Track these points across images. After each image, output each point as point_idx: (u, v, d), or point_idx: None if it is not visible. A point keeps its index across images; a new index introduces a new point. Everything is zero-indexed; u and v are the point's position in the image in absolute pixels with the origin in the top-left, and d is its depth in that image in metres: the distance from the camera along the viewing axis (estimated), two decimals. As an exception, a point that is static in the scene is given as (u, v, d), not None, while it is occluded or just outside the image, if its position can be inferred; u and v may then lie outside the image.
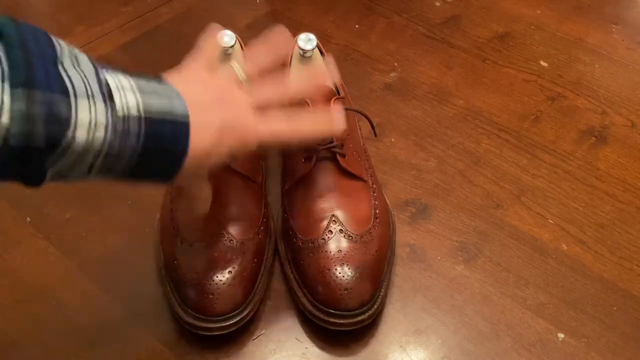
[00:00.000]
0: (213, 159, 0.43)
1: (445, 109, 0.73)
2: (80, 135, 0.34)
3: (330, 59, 0.59)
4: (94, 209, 0.62)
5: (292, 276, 0.53)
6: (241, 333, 0.51)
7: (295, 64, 0.67)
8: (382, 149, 0.68)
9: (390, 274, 0.55)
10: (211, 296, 0.49)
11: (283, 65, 0.60)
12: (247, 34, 0.65)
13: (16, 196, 0.62)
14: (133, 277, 0.56)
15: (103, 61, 0.38)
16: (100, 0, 0.91)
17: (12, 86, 0.32)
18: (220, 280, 0.49)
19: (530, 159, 0.67)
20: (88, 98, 0.35)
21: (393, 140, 0.69)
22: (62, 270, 0.57)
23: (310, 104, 0.55)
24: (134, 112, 0.37)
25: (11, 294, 0.55)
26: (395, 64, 0.80)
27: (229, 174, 0.55)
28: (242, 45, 0.68)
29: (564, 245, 0.59)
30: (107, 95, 0.36)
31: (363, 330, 0.51)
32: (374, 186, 0.58)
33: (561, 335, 0.52)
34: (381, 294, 0.52)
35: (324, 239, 0.52)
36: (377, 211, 0.55)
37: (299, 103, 0.53)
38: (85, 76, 0.35)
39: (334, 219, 0.53)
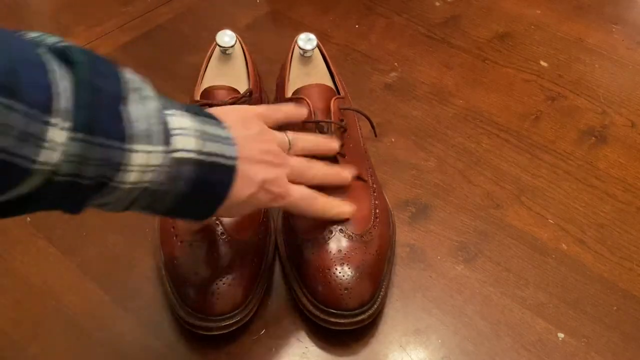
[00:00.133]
0: (243, 208, 0.44)
1: (445, 109, 0.73)
2: (131, 177, 0.34)
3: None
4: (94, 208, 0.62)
5: (292, 276, 0.53)
6: (241, 333, 0.51)
7: (295, 64, 0.67)
8: (382, 149, 0.68)
9: (390, 273, 0.55)
10: (211, 296, 0.49)
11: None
12: (247, 34, 0.65)
13: (16, 196, 0.62)
14: (133, 277, 0.56)
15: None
16: (100, 0, 0.91)
17: (73, 129, 0.30)
18: (220, 280, 0.49)
19: (530, 159, 0.67)
20: (147, 140, 0.34)
21: (393, 140, 0.69)
22: (62, 270, 0.56)
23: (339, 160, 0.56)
24: (190, 156, 0.37)
25: (11, 294, 0.55)
26: (395, 63, 0.80)
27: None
28: (242, 45, 0.68)
29: (563, 245, 0.59)
30: (166, 137, 0.35)
31: (363, 330, 0.51)
32: (374, 186, 0.58)
33: (561, 335, 0.52)
34: (381, 293, 0.52)
35: (324, 238, 0.52)
36: (377, 211, 0.55)
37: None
38: (147, 115, 0.34)
39: (334, 218, 0.53)
